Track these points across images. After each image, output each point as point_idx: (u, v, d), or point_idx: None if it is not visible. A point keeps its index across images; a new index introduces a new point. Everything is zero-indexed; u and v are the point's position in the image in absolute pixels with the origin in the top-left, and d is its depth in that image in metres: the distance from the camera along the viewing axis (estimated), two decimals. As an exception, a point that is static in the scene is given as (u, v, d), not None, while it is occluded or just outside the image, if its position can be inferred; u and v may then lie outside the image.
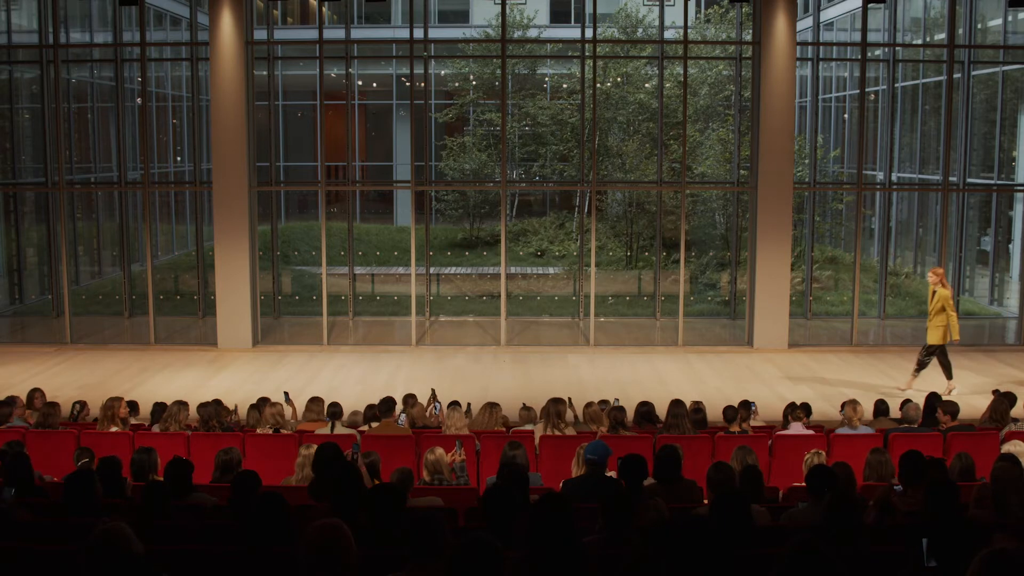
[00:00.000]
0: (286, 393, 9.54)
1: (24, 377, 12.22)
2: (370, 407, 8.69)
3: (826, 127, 20.96)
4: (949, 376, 11.43)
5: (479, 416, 8.59)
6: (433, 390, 9.47)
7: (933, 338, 11.26)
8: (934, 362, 11.47)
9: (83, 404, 8.90)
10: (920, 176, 19.01)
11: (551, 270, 21.77)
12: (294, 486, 6.22)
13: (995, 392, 8.99)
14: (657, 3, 17.35)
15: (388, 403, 8.42)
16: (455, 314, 17.53)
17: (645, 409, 8.56)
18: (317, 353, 13.84)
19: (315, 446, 6.02)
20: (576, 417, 8.60)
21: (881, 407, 8.96)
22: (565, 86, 24.38)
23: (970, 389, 11.48)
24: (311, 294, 17.41)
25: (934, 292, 11.28)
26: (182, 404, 8.35)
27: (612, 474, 6.14)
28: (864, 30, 14.67)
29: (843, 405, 8.79)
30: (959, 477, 6.11)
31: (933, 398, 8.59)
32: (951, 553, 3.42)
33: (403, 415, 8.40)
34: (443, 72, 25.12)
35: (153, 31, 19.70)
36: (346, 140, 18.02)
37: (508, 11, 17.76)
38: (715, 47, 20.56)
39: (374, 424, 8.40)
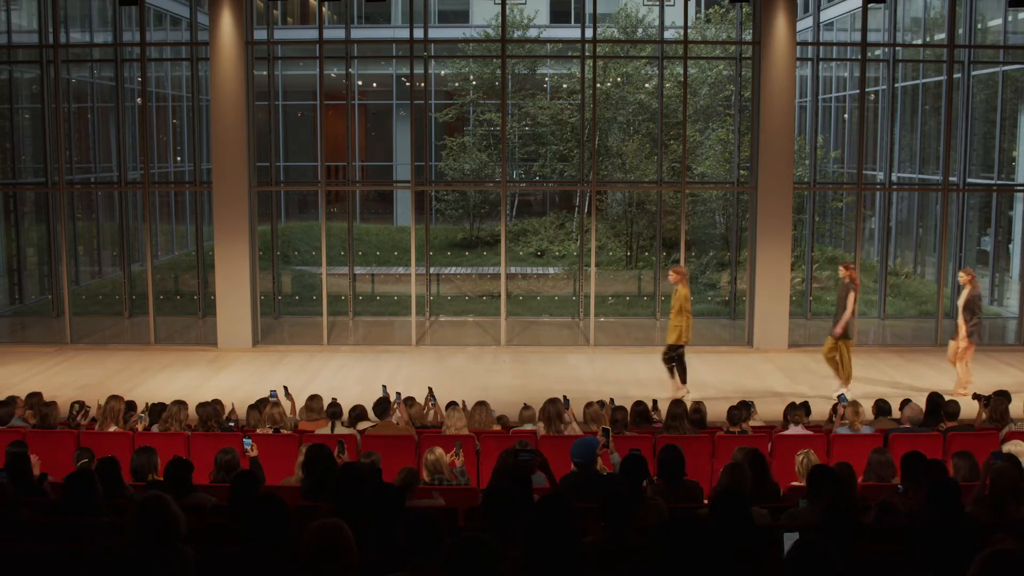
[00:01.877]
0: (285, 387, 9.54)
1: (24, 377, 12.21)
2: (355, 407, 8.69)
3: (826, 127, 20.96)
4: (683, 380, 11.32)
5: (470, 415, 8.60)
6: (430, 388, 9.47)
7: (670, 338, 11.21)
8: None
9: (82, 404, 8.89)
10: (920, 176, 19.01)
11: (551, 270, 21.78)
12: (294, 486, 6.21)
13: (975, 396, 8.98)
14: (657, 3, 17.37)
15: (383, 404, 8.42)
16: (455, 314, 17.53)
17: (641, 408, 8.63)
18: (317, 353, 13.84)
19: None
20: (574, 417, 8.60)
21: (881, 407, 8.96)
22: (565, 86, 24.39)
23: (967, 389, 11.45)
24: (311, 294, 17.41)
25: (676, 291, 11.22)
26: (181, 404, 8.34)
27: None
28: (864, 30, 14.67)
29: (833, 407, 8.79)
30: (966, 477, 6.09)
31: (935, 398, 8.59)
32: (951, 553, 3.42)
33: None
34: (443, 72, 25.12)
35: (153, 31, 19.70)
36: (346, 140, 18.02)
37: (508, 11, 17.76)
38: (715, 47, 20.55)
39: (361, 424, 8.40)
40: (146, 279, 14.83)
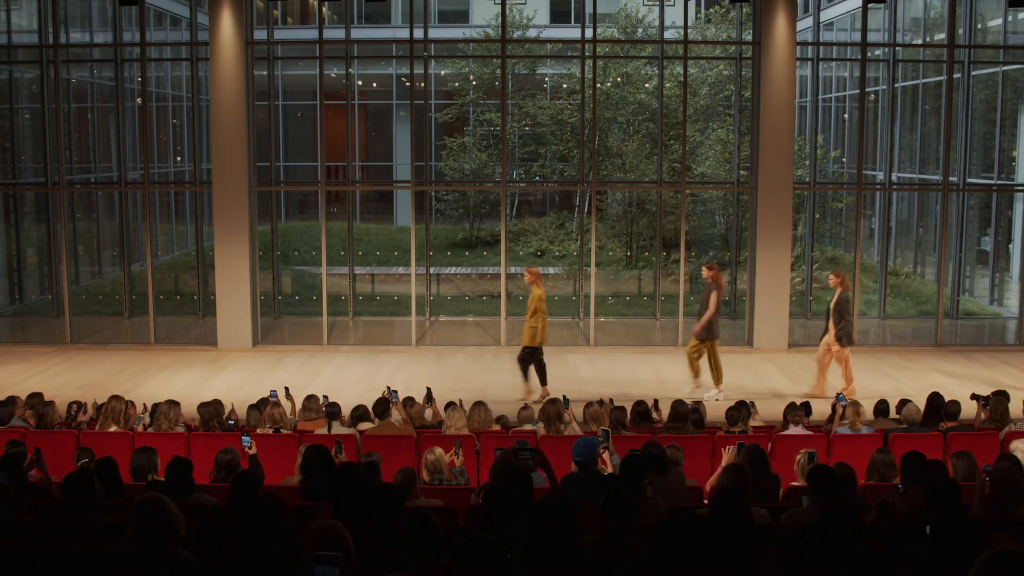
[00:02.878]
0: (286, 388, 9.54)
1: (24, 377, 12.21)
2: (357, 408, 8.71)
3: (826, 127, 20.96)
4: (543, 382, 11.17)
5: (468, 415, 8.61)
6: (428, 388, 9.48)
7: (524, 339, 11.11)
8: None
9: (80, 404, 8.89)
10: (920, 176, 19.02)
11: (551, 270, 21.77)
12: (294, 486, 6.21)
13: (974, 396, 8.98)
14: (657, 3, 17.36)
15: (383, 404, 8.42)
16: (455, 314, 17.52)
17: (641, 408, 8.68)
18: (317, 353, 13.84)
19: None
20: (574, 417, 8.61)
21: (881, 407, 8.96)
22: (565, 86, 24.38)
23: (968, 389, 11.46)
24: (311, 294, 17.40)
25: (531, 292, 11.13)
26: (173, 403, 8.34)
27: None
28: (864, 30, 14.67)
29: (833, 407, 8.77)
30: (965, 477, 6.09)
31: (936, 398, 8.59)
32: (952, 553, 3.42)
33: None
34: (443, 72, 25.12)
35: (153, 31, 19.70)
36: (346, 140, 18.02)
37: (508, 11, 17.75)
38: (715, 47, 20.55)
39: (362, 424, 8.41)
40: (146, 279, 14.83)
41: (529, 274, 11.31)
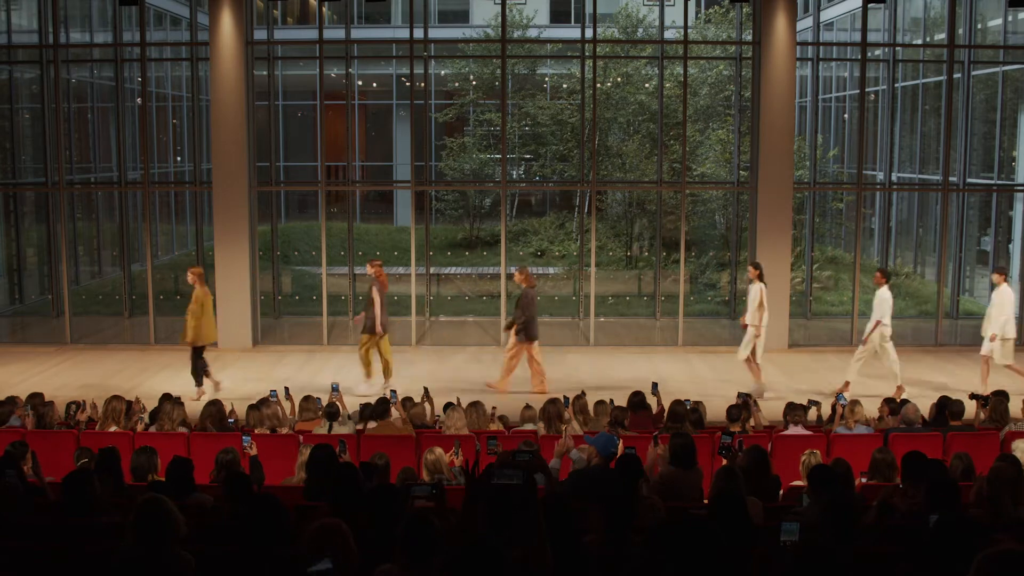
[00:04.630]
0: (286, 388, 9.54)
1: (24, 377, 12.21)
2: (361, 407, 8.73)
3: (826, 127, 20.95)
4: (198, 383, 11.28)
5: (466, 415, 8.64)
6: (426, 388, 9.48)
7: (189, 337, 11.21)
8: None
9: (79, 404, 8.88)
10: (920, 176, 19.01)
11: (551, 270, 21.76)
12: (295, 486, 6.21)
13: (973, 396, 8.99)
14: (657, 3, 17.36)
15: (383, 404, 8.43)
16: (455, 314, 17.52)
17: (637, 399, 8.88)
18: (317, 353, 13.83)
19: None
20: (574, 417, 8.65)
21: (892, 407, 8.94)
22: (565, 86, 24.36)
23: (968, 389, 11.44)
24: (311, 294, 17.39)
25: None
26: (177, 403, 8.33)
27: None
28: (864, 30, 14.67)
29: (833, 407, 8.79)
30: (960, 478, 6.11)
31: (941, 400, 8.61)
32: (951, 553, 3.42)
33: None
34: (443, 72, 25.11)
35: (153, 31, 19.69)
36: (346, 140, 18.02)
37: (508, 11, 17.74)
38: (715, 47, 20.55)
39: (360, 424, 8.42)
40: (146, 279, 14.83)
41: (191, 274, 11.41)
